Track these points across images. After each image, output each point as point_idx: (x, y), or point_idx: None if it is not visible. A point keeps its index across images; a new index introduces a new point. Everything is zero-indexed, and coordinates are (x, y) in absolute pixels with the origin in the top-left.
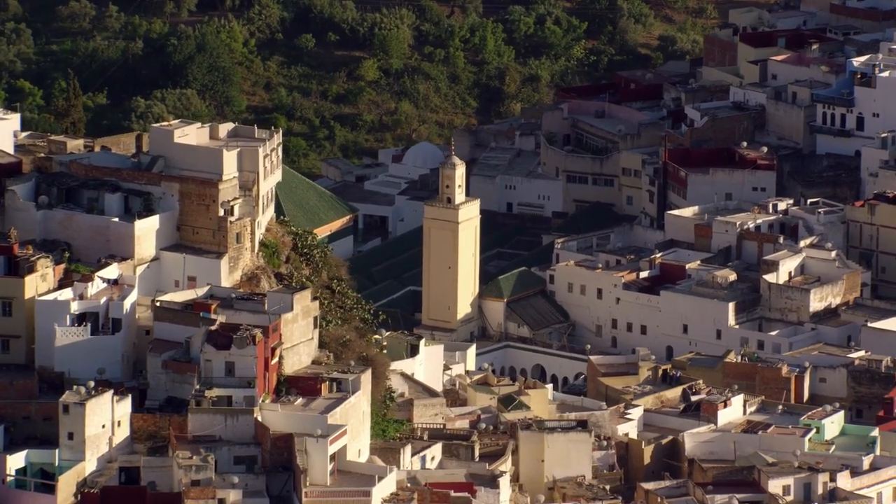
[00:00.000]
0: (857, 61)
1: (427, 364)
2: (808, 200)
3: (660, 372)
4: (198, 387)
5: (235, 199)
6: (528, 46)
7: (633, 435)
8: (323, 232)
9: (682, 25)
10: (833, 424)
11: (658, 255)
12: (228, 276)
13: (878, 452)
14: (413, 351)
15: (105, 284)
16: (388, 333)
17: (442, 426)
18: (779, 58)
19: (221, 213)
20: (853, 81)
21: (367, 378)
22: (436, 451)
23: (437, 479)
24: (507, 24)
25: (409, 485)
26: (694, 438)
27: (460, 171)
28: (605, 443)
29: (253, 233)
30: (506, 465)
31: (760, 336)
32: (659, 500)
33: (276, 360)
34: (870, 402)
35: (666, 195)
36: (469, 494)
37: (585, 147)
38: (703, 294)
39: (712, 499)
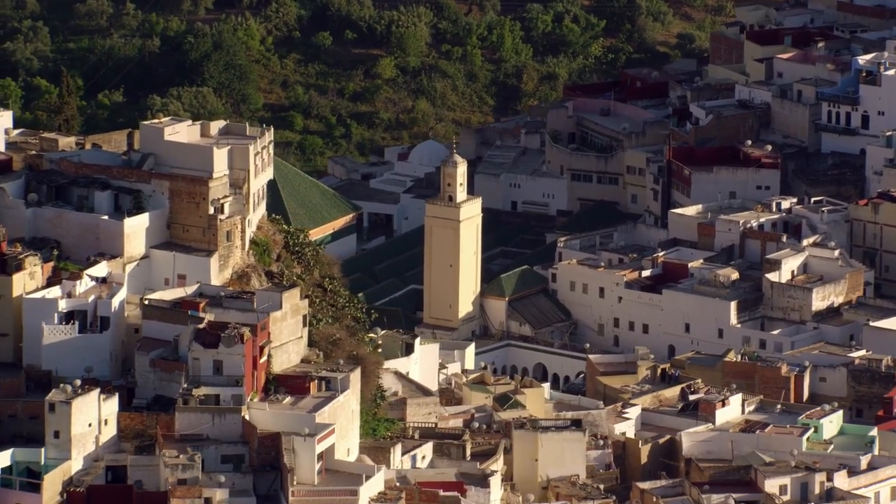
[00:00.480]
0: (863, 59)
1: (422, 363)
2: (812, 199)
3: (658, 371)
4: (185, 385)
5: (226, 196)
6: (545, 44)
7: (631, 434)
8: (326, 230)
9: (701, 23)
10: (831, 424)
11: (661, 254)
12: (218, 275)
13: (876, 452)
14: (408, 350)
15: (93, 283)
16: (383, 332)
17: (433, 425)
18: (784, 56)
19: (211, 210)
20: (858, 79)
21: (356, 377)
22: (427, 450)
23: (426, 478)
24: (524, 21)
25: (398, 484)
26: (691, 438)
27: (462, 169)
28: (601, 442)
29: (243, 231)
30: (497, 465)
31: (762, 335)
32: (654, 499)
33: (264, 358)
34: (870, 402)
35: (670, 193)
36: (458, 494)
37: (590, 145)
38: (704, 293)
39: (708, 498)
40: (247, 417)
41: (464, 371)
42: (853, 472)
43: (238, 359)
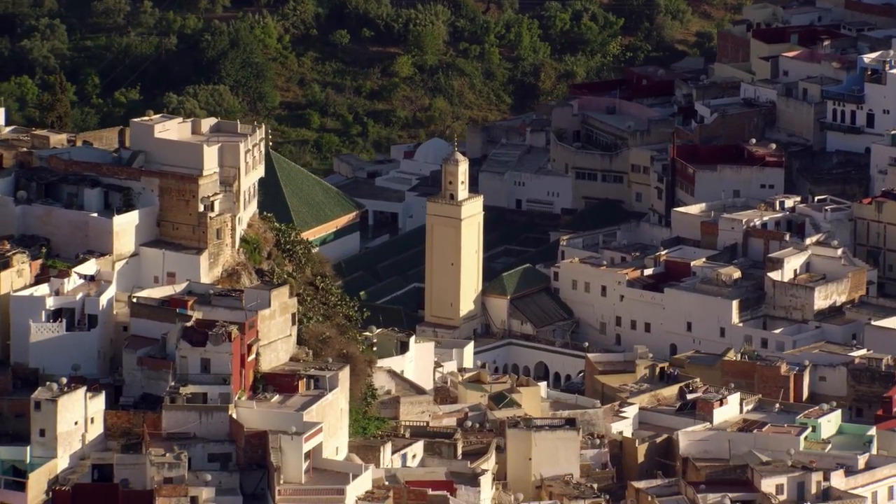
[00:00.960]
0: (868, 58)
1: (417, 361)
2: (816, 197)
3: (657, 370)
4: (172, 383)
5: (216, 194)
6: (563, 43)
7: (628, 433)
8: (329, 228)
9: (720, 21)
10: (830, 423)
11: (663, 253)
12: (208, 273)
13: (874, 452)
14: (403, 348)
15: (82, 280)
16: (378, 330)
17: (425, 424)
18: (790, 54)
19: (201, 208)
20: (864, 78)
21: (345, 375)
22: (417, 449)
23: (416, 477)
24: (542, 20)
25: (386, 483)
26: (688, 437)
27: (463, 167)
28: (598, 441)
29: (233, 228)
30: (488, 464)
31: (764, 334)
32: (649, 498)
33: (252, 356)
34: (870, 401)
35: (674, 192)
36: (447, 493)
37: (595, 143)
38: (706, 292)
39: (704, 498)
40: (234, 416)
41: (461, 370)
42: (850, 471)
43: (226, 357)
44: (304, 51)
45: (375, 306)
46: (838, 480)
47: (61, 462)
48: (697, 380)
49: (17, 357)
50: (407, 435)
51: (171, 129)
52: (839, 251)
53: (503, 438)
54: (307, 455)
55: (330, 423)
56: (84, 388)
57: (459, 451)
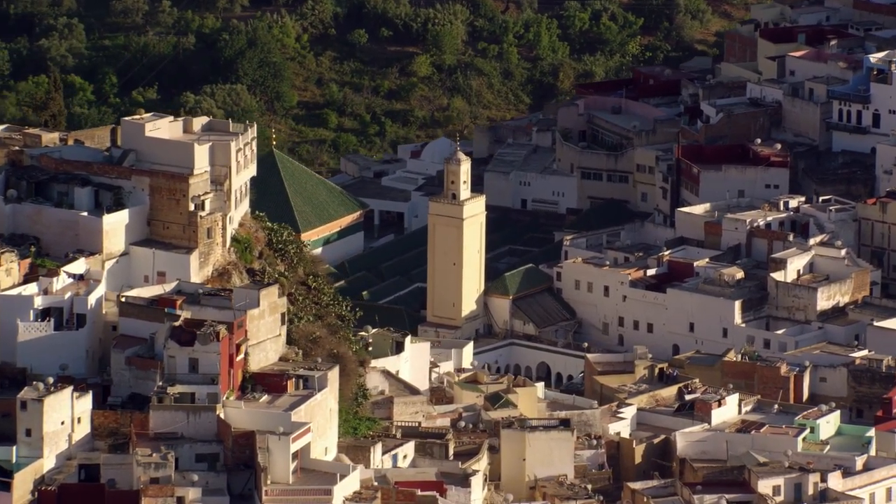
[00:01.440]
0: (874, 58)
1: (413, 361)
2: (821, 198)
3: (656, 371)
4: (160, 383)
5: (206, 193)
6: (582, 42)
7: (626, 434)
8: (333, 228)
9: (741, 21)
10: (829, 424)
11: (666, 253)
12: (199, 272)
13: (873, 453)
14: (399, 348)
15: (71, 280)
16: (374, 330)
17: (417, 424)
18: (797, 54)
19: (192, 207)
20: (870, 78)
21: (334, 375)
22: (408, 449)
23: (406, 477)
24: (561, 19)
25: (375, 483)
26: (686, 438)
27: (465, 166)
28: (595, 442)
29: (224, 228)
30: (479, 464)
31: (767, 335)
32: (645, 499)
33: (241, 356)
34: (870, 402)
35: (679, 192)
36: (436, 493)
37: (601, 143)
38: (709, 292)
39: (700, 499)
40: (222, 416)
41: (459, 370)
42: (848, 472)
43: (214, 357)
44: (322, 50)
45: (377, 306)
46: (836, 482)
47: (47, 462)
48: (696, 380)
49: (5, 356)
50: (398, 435)
51: (162, 128)
52: (843, 252)
53: (497, 439)
54: (295, 455)
55: (318, 423)
56: (71, 387)
57: (451, 452)
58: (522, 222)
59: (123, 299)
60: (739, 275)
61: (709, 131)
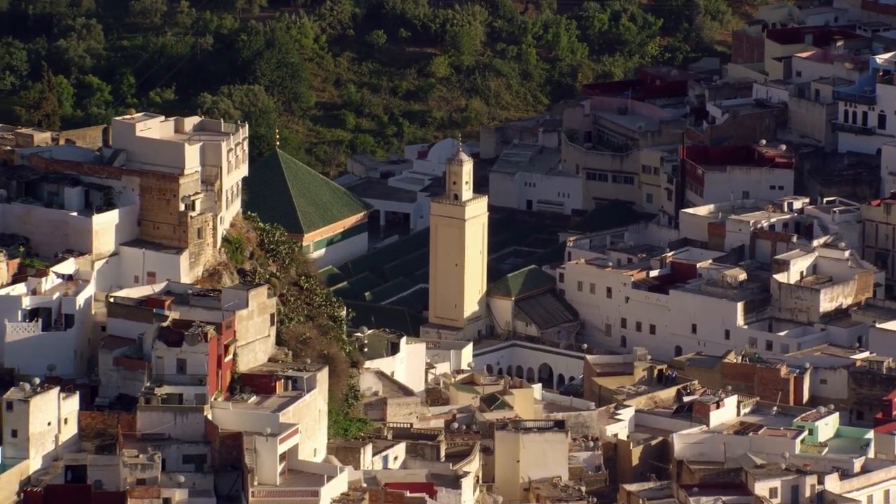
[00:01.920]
0: (881, 59)
1: (409, 363)
2: (825, 199)
3: (655, 372)
4: (148, 384)
5: (197, 193)
6: (601, 43)
7: (623, 436)
8: (336, 229)
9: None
10: (827, 426)
11: (670, 254)
12: (189, 272)
13: (872, 455)
14: (394, 349)
15: (60, 280)
16: (370, 331)
17: (409, 426)
18: (803, 55)
19: (182, 207)
20: (876, 79)
21: (323, 376)
22: (399, 450)
23: (396, 479)
24: (581, 20)
25: (364, 485)
26: (683, 440)
27: (467, 167)
28: (592, 443)
29: (215, 228)
30: (471, 466)
31: (769, 336)
32: (641, 502)
33: (229, 357)
34: (871, 404)
35: (684, 193)
36: (425, 495)
37: (606, 144)
38: (711, 293)
39: (697, 501)
40: (210, 417)
41: (457, 371)
42: (846, 475)
43: (202, 357)
44: (341, 51)
45: (379, 307)
46: (833, 484)
47: (34, 463)
48: (695, 382)
49: None
50: (389, 436)
51: (153, 128)
52: (846, 253)
53: (492, 440)
54: (282, 456)
55: (307, 424)
56: (57, 388)
57: (443, 453)
58: (528, 223)
59: (112, 300)
60: (742, 276)
61: (714, 132)
